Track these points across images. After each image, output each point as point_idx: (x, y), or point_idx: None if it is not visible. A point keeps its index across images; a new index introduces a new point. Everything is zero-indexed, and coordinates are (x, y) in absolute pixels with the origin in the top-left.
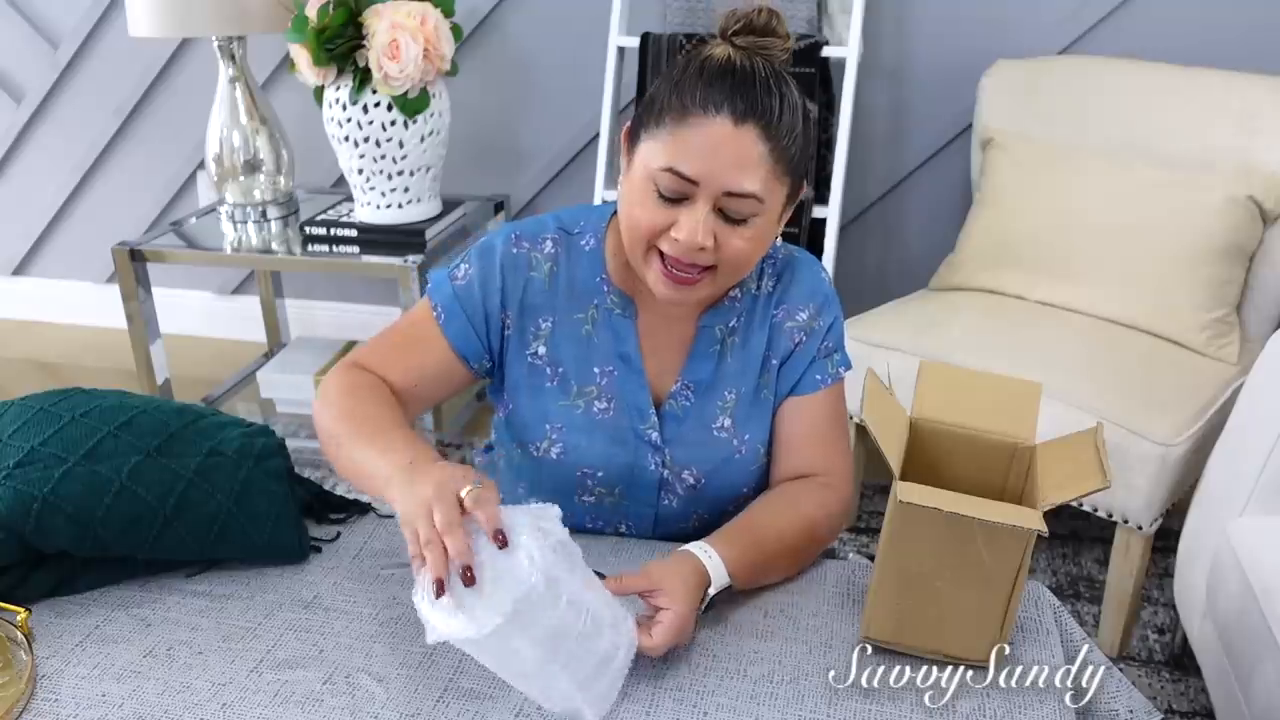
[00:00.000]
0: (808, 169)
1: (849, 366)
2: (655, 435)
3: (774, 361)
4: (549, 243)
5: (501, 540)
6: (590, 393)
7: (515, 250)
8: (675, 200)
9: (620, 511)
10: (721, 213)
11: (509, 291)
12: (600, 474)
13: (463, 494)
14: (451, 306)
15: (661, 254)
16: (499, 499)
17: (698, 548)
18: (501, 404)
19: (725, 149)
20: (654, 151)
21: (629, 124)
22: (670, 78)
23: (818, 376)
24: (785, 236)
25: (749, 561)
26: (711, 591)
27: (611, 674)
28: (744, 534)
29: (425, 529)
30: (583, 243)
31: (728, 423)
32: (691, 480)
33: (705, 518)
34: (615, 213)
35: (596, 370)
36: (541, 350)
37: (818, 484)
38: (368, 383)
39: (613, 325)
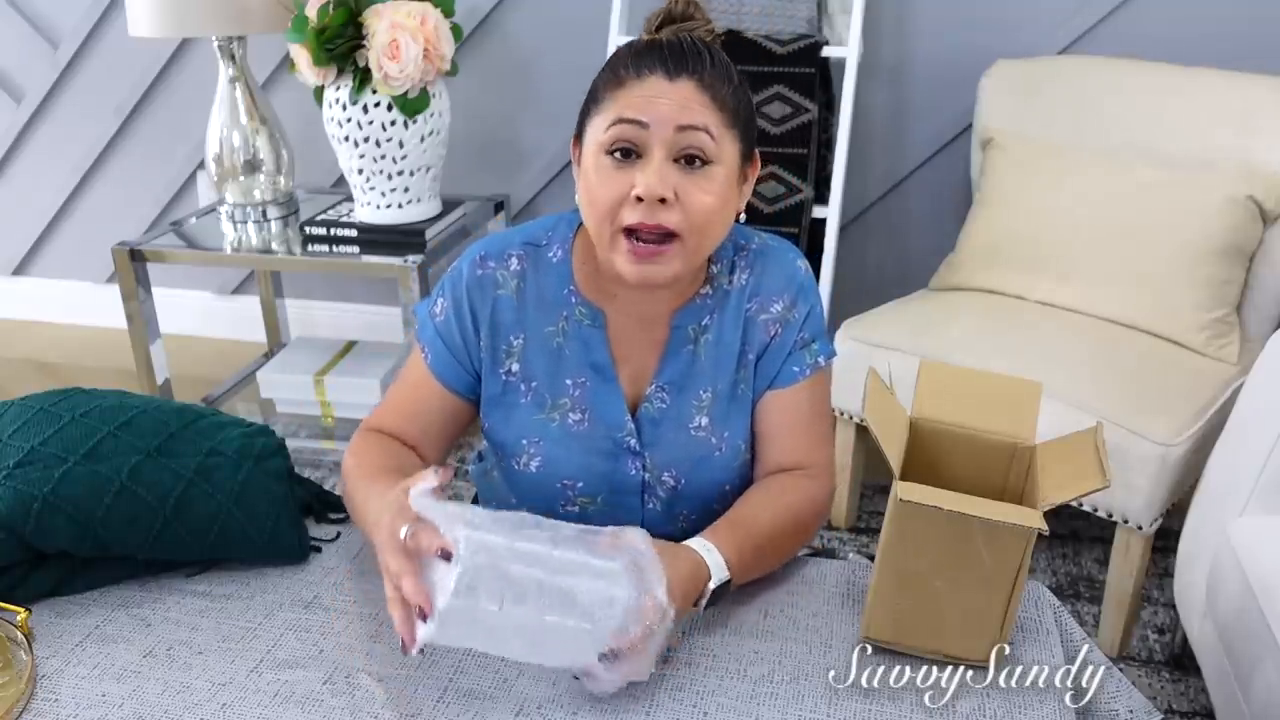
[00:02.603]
0: (754, 136)
1: (831, 355)
2: (633, 441)
3: (750, 356)
4: (514, 260)
5: (448, 555)
6: (564, 405)
7: (480, 272)
8: (630, 157)
9: (605, 519)
10: (678, 162)
11: (478, 314)
12: (580, 484)
13: (402, 536)
14: (435, 345)
15: (627, 232)
16: (433, 531)
17: (699, 545)
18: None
19: (666, 97)
20: (599, 123)
21: (574, 134)
22: (600, 70)
23: (795, 368)
24: (785, 237)
25: (746, 558)
26: (712, 585)
27: (613, 613)
28: (738, 528)
29: (387, 586)
30: (550, 254)
31: (705, 421)
32: (671, 482)
33: (691, 518)
34: (582, 221)
35: (569, 382)
36: (514, 367)
37: (801, 476)
38: (373, 444)
39: (582, 336)
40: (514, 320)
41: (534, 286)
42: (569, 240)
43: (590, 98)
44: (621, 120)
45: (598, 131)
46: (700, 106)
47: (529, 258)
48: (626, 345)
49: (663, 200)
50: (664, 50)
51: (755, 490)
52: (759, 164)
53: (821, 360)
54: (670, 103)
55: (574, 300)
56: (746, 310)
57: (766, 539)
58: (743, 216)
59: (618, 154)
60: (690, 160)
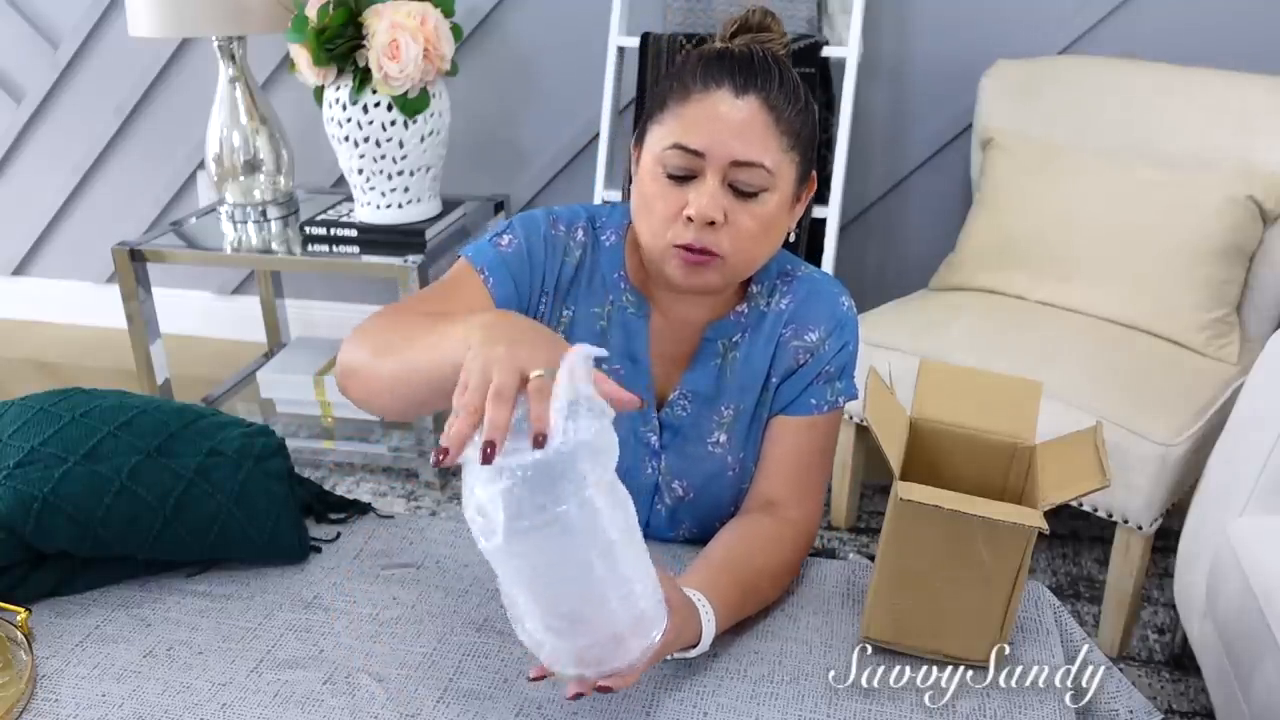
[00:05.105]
0: (814, 157)
1: (852, 396)
2: (654, 439)
3: (774, 380)
4: (581, 232)
5: (540, 442)
6: None
7: (554, 231)
8: (685, 179)
9: None
10: (732, 188)
11: (548, 270)
12: None
13: (531, 375)
14: (499, 270)
15: (677, 246)
16: (583, 383)
17: (704, 609)
18: None
19: (728, 119)
20: (659, 136)
21: (635, 131)
22: (670, 73)
23: (813, 400)
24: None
25: (729, 620)
26: (692, 654)
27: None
28: (733, 590)
29: (472, 395)
30: (604, 238)
31: (723, 438)
32: (680, 492)
33: (693, 530)
34: None
35: (605, 369)
36: None
37: (778, 522)
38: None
39: (625, 323)
40: (569, 292)
41: (590, 264)
42: (623, 228)
43: (656, 103)
44: (679, 146)
45: (656, 144)
46: (761, 130)
47: (590, 235)
48: (660, 344)
49: (712, 222)
50: (733, 62)
51: (737, 542)
52: (815, 184)
53: (841, 400)
54: (730, 127)
55: (623, 286)
56: (781, 335)
57: (754, 605)
58: (793, 236)
59: (672, 175)
60: (743, 192)
